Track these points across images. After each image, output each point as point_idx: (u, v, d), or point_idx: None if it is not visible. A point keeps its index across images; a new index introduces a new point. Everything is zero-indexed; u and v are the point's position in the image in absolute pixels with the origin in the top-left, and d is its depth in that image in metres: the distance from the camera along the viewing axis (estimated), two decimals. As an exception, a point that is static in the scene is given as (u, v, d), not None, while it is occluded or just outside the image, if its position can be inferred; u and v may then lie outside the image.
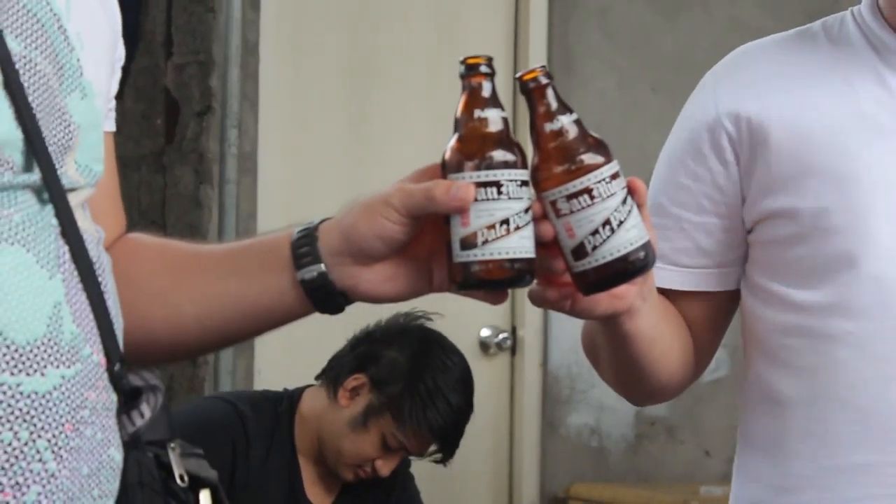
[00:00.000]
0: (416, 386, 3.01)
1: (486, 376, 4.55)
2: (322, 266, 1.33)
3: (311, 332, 4.24)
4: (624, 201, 1.31)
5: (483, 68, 1.32)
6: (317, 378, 3.18)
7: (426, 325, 3.18)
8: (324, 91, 4.42)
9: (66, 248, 1.21)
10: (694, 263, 1.63)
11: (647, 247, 1.33)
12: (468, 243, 1.28)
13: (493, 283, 1.30)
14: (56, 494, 1.17)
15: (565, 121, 1.33)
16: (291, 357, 4.26)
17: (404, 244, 1.32)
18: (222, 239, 4.15)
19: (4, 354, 1.13)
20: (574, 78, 4.60)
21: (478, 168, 1.28)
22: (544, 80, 1.35)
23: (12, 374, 1.13)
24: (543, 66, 1.36)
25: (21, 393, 1.14)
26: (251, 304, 1.38)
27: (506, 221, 1.27)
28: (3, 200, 1.16)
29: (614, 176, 1.31)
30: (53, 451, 1.16)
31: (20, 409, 1.14)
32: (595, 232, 1.30)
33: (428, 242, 1.33)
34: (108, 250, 1.35)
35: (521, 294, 4.84)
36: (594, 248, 1.30)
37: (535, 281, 1.32)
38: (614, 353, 1.60)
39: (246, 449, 3.05)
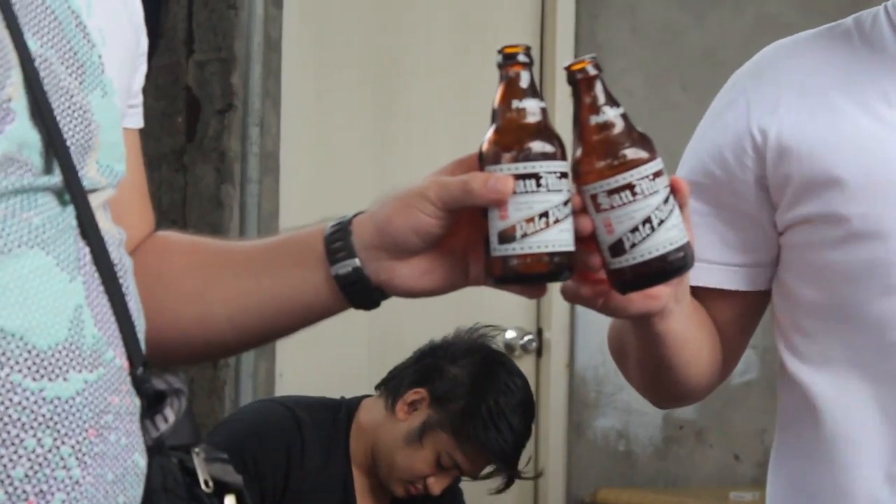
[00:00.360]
0: (478, 406, 3.02)
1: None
2: (357, 261, 1.33)
3: (334, 336, 4.24)
4: (666, 200, 1.31)
5: (521, 57, 1.31)
6: (377, 388, 3.19)
7: (492, 345, 3.21)
8: (347, 89, 4.42)
9: (87, 249, 1.21)
10: (720, 259, 1.62)
11: (686, 248, 1.33)
12: (507, 237, 1.27)
13: (532, 277, 1.30)
14: (80, 502, 1.17)
15: (611, 114, 1.33)
16: (313, 360, 4.27)
17: (440, 238, 1.32)
18: (244, 239, 4.13)
19: (26, 359, 1.13)
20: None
21: (516, 160, 1.28)
22: (593, 72, 1.34)
23: (34, 379, 1.13)
24: (593, 57, 1.35)
25: (44, 399, 1.14)
26: (285, 301, 1.38)
27: (545, 214, 1.26)
28: (22, 203, 1.16)
29: (658, 174, 1.31)
30: (77, 458, 1.16)
31: (43, 416, 1.13)
32: (635, 229, 1.29)
33: (464, 236, 1.33)
34: (137, 248, 1.39)
35: (548, 295, 4.87)
36: (633, 245, 1.30)
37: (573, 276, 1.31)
38: (644, 355, 1.58)
39: (301, 455, 3.07)
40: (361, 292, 1.35)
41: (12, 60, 1.15)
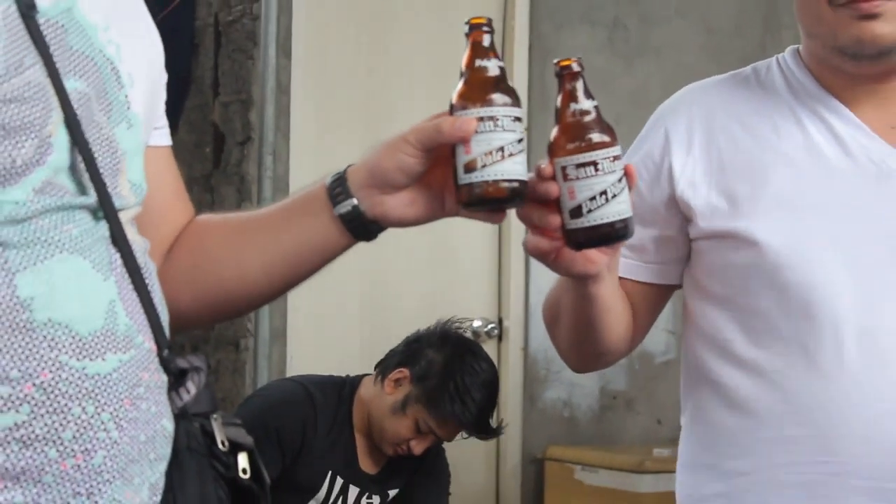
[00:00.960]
0: (447, 384, 3.03)
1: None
2: (354, 200, 1.33)
3: (333, 326, 4.23)
4: (620, 180, 1.34)
5: (484, 28, 1.34)
6: (375, 368, 3.19)
7: (463, 334, 3.23)
8: (345, 124, 4.40)
9: (118, 255, 1.21)
10: (635, 257, 1.61)
11: (629, 221, 1.35)
12: (470, 167, 1.29)
13: (492, 201, 1.30)
14: (118, 458, 1.16)
15: (587, 104, 1.37)
16: (317, 345, 4.26)
17: (421, 174, 1.33)
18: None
19: (71, 344, 1.13)
20: (550, 113, 4.57)
21: (478, 106, 1.29)
22: (576, 68, 1.40)
23: (78, 359, 1.14)
24: (579, 58, 1.41)
25: (86, 375, 1.14)
26: (303, 246, 1.38)
27: (501, 149, 1.28)
28: (63, 218, 1.16)
29: (616, 157, 1.34)
30: (115, 422, 1.16)
31: (86, 388, 1.14)
32: (593, 198, 1.32)
33: (440, 174, 1.33)
34: (183, 231, 1.42)
35: (507, 289, 4.86)
36: (589, 211, 1.32)
37: (524, 204, 1.33)
38: (576, 315, 1.57)
39: (314, 423, 3.09)
40: (361, 226, 1.35)
41: (53, 102, 1.14)
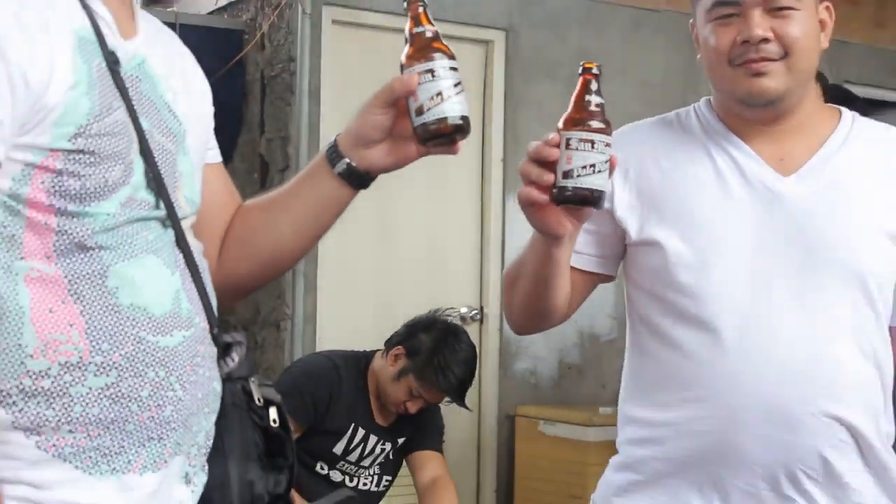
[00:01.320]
0: (433, 360, 3.00)
1: (465, 339, 4.56)
2: (346, 159, 1.32)
3: (350, 314, 4.22)
4: (606, 162, 1.34)
5: (420, 8, 1.31)
6: (384, 345, 3.17)
7: (450, 321, 3.17)
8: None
9: (181, 256, 1.21)
10: (580, 249, 1.58)
11: (603, 195, 1.36)
12: (419, 112, 1.26)
13: (440, 135, 1.28)
14: (182, 411, 1.17)
15: (597, 99, 1.37)
16: (340, 326, 4.23)
17: (390, 128, 1.30)
18: (307, 263, 4.17)
19: (147, 322, 1.14)
20: (522, 148, 4.57)
21: (418, 63, 1.27)
22: (595, 71, 1.38)
23: (153, 335, 1.14)
24: (599, 65, 1.40)
25: (159, 347, 1.14)
26: (317, 204, 1.36)
27: (440, 93, 1.25)
28: (141, 226, 1.16)
29: (608, 144, 1.34)
30: (180, 384, 1.16)
31: (159, 358, 1.14)
32: (584, 167, 1.33)
33: (404, 126, 1.30)
34: (235, 214, 1.40)
35: (488, 282, 4.80)
36: (578, 176, 1.33)
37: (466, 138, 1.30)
38: (536, 273, 1.52)
39: (339, 387, 3.08)
40: (357, 178, 1.33)
41: (133, 136, 1.15)
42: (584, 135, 1.34)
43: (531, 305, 1.59)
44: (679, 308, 1.55)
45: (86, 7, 1.13)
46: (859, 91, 5.39)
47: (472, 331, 4.52)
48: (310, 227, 1.37)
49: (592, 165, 1.33)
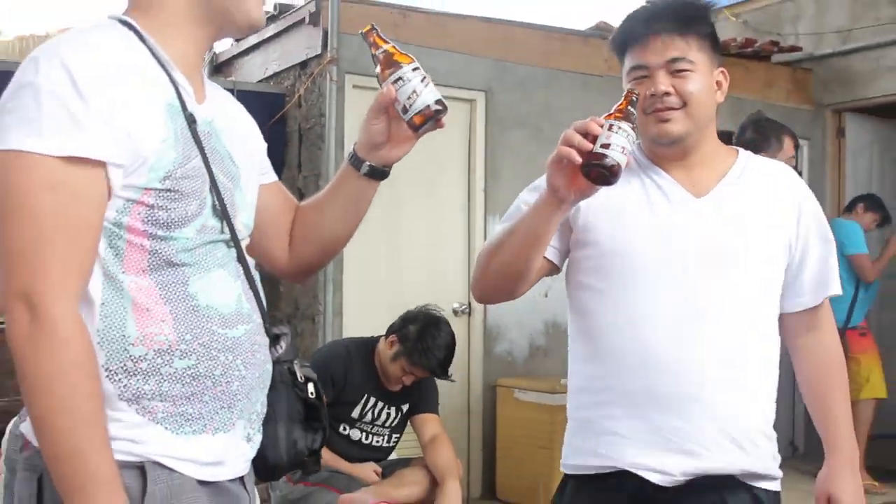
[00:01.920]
0: (417, 345, 2.96)
1: (457, 328, 4.42)
2: (366, 161, 1.31)
3: (370, 307, 4.21)
4: (624, 147, 1.34)
5: (370, 32, 1.28)
6: (385, 333, 3.13)
7: (434, 314, 3.10)
8: (382, 186, 4.36)
9: (241, 269, 1.21)
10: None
11: (620, 170, 1.33)
12: (405, 110, 1.25)
13: (424, 122, 1.25)
14: (245, 386, 1.17)
15: (633, 111, 1.39)
16: (361, 318, 4.19)
17: (389, 130, 1.29)
18: (335, 269, 4.12)
19: (219, 319, 1.14)
20: (499, 185, 4.59)
21: (390, 74, 1.25)
22: (636, 99, 1.41)
23: (223, 328, 1.14)
24: (637, 94, 1.42)
25: (227, 337, 1.15)
26: (352, 198, 1.34)
27: (414, 91, 1.23)
28: (212, 247, 1.16)
29: (629, 136, 1.35)
30: (244, 365, 1.16)
31: (227, 345, 1.14)
32: (620, 145, 1.33)
33: (399, 125, 1.29)
34: (295, 214, 1.37)
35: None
36: (612, 151, 1.32)
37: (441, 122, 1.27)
38: (529, 232, 1.44)
39: (351, 368, 3.03)
40: (377, 173, 1.32)
41: (206, 178, 1.15)
42: (626, 125, 1.33)
43: (512, 265, 1.49)
44: (603, 294, 1.52)
45: (173, 81, 1.14)
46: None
47: (461, 321, 4.54)
48: (351, 215, 1.36)
49: (623, 147, 1.31)
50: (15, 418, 3.20)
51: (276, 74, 4.61)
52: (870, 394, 4.64)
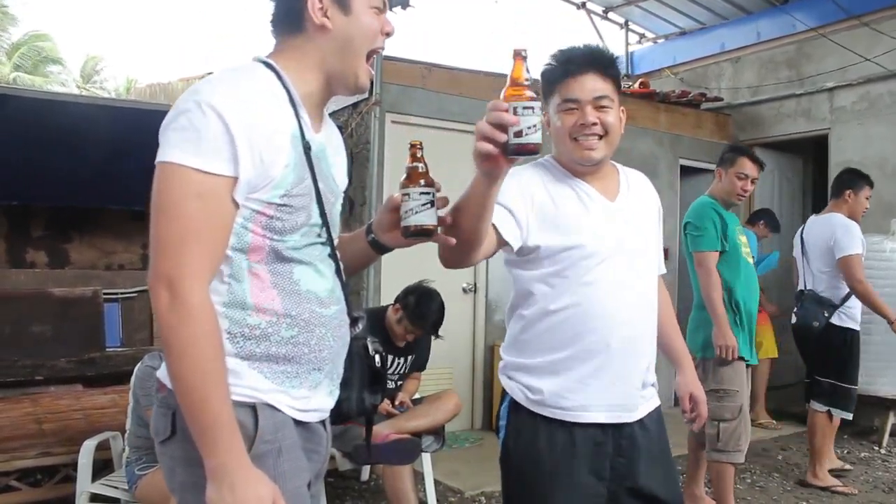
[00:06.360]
0: (416, 311, 2.90)
1: (465, 304, 4.46)
2: (374, 236, 1.26)
3: (402, 287, 4.17)
4: (540, 121, 1.08)
5: (416, 147, 1.15)
6: (393, 301, 3.05)
7: (427, 287, 2.99)
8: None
9: (333, 263, 1.17)
10: (497, 221, 1.38)
11: (540, 147, 1.07)
12: (402, 218, 1.14)
13: (411, 235, 1.13)
14: (332, 354, 1.14)
15: (527, 75, 1.09)
16: (394, 295, 4.12)
17: (396, 221, 1.20)
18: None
19: (317, 300, 1.12)
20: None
21: (403, 188, 1.14)
22: (525, 55, 1.09)
23: (320, 308, 1.11)
24: (526, 50, 1.09)
25: (323, 314, 1.11)
26: (363, 254, 1.28)
27: (412, 209, 1.13)
28: (314, 248, 1.13)
29: (539, 109, 1.08)
30: (333, 337, 1.13)
31: (322, 321, 1.11)
32: (529, 127, 1.08)
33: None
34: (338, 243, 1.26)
35: (479, 267, 4.63)
36: (525, 134, 1.06)
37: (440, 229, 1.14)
38: (477, 205, 1.18)
39: (367, 330, 2.92)
40: (378, 247, 1.27)
41: (314, 195, 1.12)
42: (526, 103, 1.05)
43: (469, 239, 1.24)
44: (559, 279, 1.43)
45: (297, 115, 1.11)
46: (687, 163, 5.44)
47: (468, 297, 4.51)
48: (357, 263, 1.31)
49: (534, 125, 1.06)
50: (139, 363, 3.12)
51: (334, 112, 4.58)
52: (764, 354, 4.70)
